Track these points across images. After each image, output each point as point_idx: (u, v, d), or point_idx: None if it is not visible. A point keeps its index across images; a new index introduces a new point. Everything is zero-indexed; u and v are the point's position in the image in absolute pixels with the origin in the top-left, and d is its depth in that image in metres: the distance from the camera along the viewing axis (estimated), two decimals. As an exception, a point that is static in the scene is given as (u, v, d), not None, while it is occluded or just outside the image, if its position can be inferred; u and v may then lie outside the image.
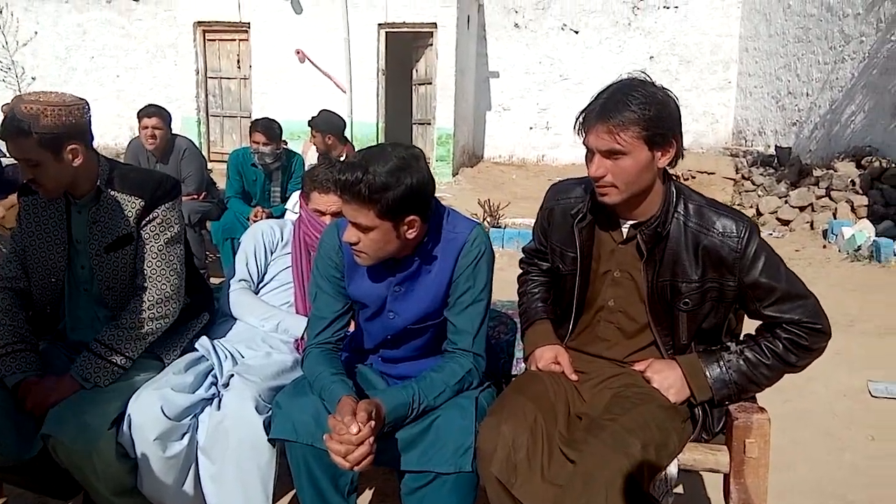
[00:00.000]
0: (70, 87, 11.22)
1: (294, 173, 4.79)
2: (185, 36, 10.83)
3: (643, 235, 1.65)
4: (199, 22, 10.69)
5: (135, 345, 1.83)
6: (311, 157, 4.95)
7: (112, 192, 1.85)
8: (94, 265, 1.87)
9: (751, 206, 8.06)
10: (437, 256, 1.70)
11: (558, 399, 1.68)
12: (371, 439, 1.41)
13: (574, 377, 1.76)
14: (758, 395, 1.77)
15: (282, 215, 4.47)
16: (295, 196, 4.55)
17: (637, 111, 1.49)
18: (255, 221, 4.31)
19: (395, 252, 1.64)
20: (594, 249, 1.75)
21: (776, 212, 7.50)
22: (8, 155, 6.82)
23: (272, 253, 2.37)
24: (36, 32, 12.22)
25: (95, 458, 1.65)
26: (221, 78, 11.06)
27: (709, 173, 9.75)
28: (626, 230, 1.69)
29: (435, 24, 10.00)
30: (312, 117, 4.78)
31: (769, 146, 9.77)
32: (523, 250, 2.06)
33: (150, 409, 1.70)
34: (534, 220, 1.99)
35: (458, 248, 1.69)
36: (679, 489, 2.51)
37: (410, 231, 1.60)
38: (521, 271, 2.06)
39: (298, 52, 10.35)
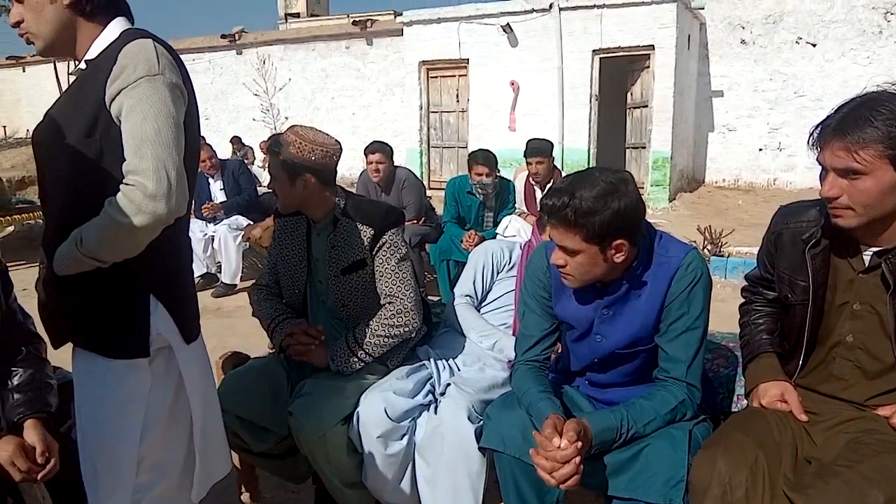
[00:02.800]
0: (314, 125, 12.64)
1: (507, 200, 4.97)
2: (412, 75, 11.75)
3: (889, 265, 1.47)
4: (423, 61, 11.55)
5: (377, 346, 2.06)
6: (519, 183, 5.05)
7: (347, 221, 2.10)
8: (330, 284, 2.12)
9: None
10: (648, 281, 1.67)
11: (784, 439, 1.55)
12: (577, 459, 1.42)
13: (804, 417, 1.61)
14: None
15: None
16: (505, 221, 4.71)
17: (881, 128, 1.35)
18: (468, 244, 4.57)
19: (602, 275, 1.65)
20: (829, 278, 1.59)
21: None
22: (264, 185, 7.83)
23: (498, 273, 2.47)
24: (290, 79, 14.08)
25: (329, 448, 1.87)
26: (442, 112, 11.81)
27: None
28: (869, 258, 1.52)
29: (652, 46, 9.75)
30: (527, 145, 4.91)
31: None
32: (746, 278, 1.94)
33: (375, 409, 1.88)
34: (761, 248, 1.86)
35: (671, 272, 1.65)
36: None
37: (618, 255, 1.60)
38: (742, 300, 1.94)
39: (513, 84, 10.70)
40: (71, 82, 1.51)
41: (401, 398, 1.92)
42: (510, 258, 2.48)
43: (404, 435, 1.91)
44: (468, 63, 11.14)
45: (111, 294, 1.45)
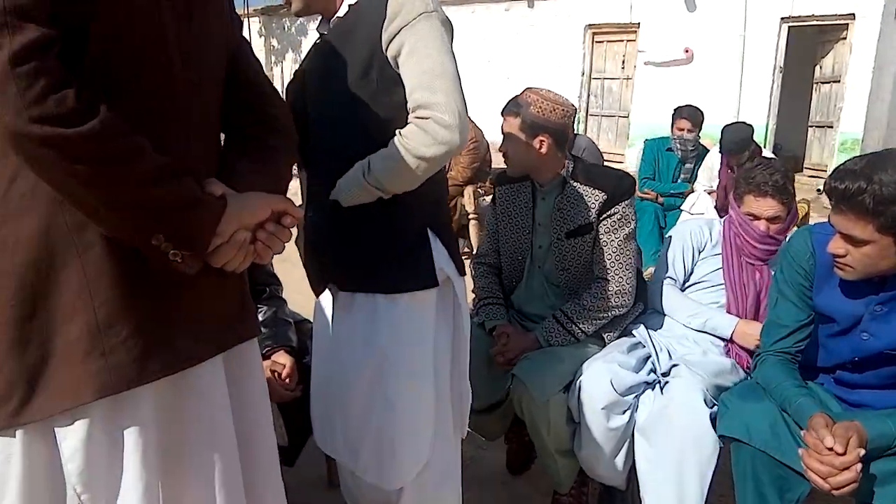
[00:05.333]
0: (466, 88, 12.55)
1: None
2: (575, 38, 11.40)
3: None
4: (590, 24, 11.16)
5: (591, 324, 2.04)
6: (714, 160, 4.74)
7: (575, 184, 2.05)
8: (553, 247, 2.10)
9: None
10: (936, 279, 1.51)
11: None
12: (858, 466, 1.32)
13: None
14: None
15: (675, 208, 4.47)
16: (692, 197, 4.47)
17: None
18: (642, 196, 4.59)
19: (887, 269, 1.50)
20: None
21: None
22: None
23: (700, 252, 2.34)
24: (452, 39, 14.07)
25: (551, 414, 1.88)
26: (604, 79, 11.39)
27: None
28: None
29: (853, 14, 8.77)
30: (721, 134, 4.61)
31: None
32: None
33: (600, 380, 1.85)
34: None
35: (969, 272, 1.47)
36: None
37: (914, 249, 1.44)
38: None
39: (687, 51, 10.09)
40: (329, 31, 1.56)
41: (626, 372, 1.89)
42: (710, 235, 2.32)
43: (626, 410, 1.88)
44: (638, 27, 10.62)
45: (394, 232, 1.50)
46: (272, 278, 2.19)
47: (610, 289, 2.03)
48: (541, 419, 1.89)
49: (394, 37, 1.38)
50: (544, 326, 2.06)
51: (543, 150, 2.01)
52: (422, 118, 1.34)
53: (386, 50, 1.41)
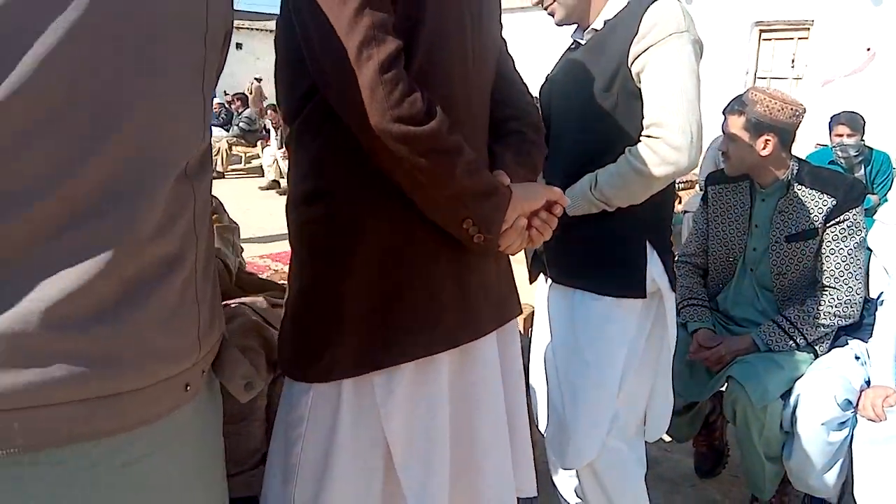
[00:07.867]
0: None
1: (880, 170, 4.42)
2: (741, 35, 10.81)
3: None
4: (757, 21, 10.55)
5: (814, 331, 2.00)
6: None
7: (801, 187, 2.01)
8: (771, 251, 2.07)
9: None
10: None
11: None
12: None
13: None
14: None
15: (869, 211, 4.15)
16: (886, 208, 4.14)
17: None
18: None
19: None
20: None
21: None
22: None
23: None
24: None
25: (767, 420, 1.87)
26: (770, 78, 10.73)
27: None
28: None
29: None
30: None
31: None
32: None
33: (822, 393, 1.83)
34: None
35: None
36: None
37: None
38: None
39: (869, 50, 9.28)
40: (584, 43, 1.64)
41: (848, 386, 1.84)
42: None
43: (845, 424, 1.83)
44: (812, 24, 9.90)
45: (612, 239, 1.59)
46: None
47: (838, 298, 1.98)
48: (754, 424, 1.89)
49: (641, 53, 1.46)
50: (763, 330, 2.04)
51: (767, 150, 1.98)
52: (653, 137, 1.41)
53: (631, 65, 1.48)
